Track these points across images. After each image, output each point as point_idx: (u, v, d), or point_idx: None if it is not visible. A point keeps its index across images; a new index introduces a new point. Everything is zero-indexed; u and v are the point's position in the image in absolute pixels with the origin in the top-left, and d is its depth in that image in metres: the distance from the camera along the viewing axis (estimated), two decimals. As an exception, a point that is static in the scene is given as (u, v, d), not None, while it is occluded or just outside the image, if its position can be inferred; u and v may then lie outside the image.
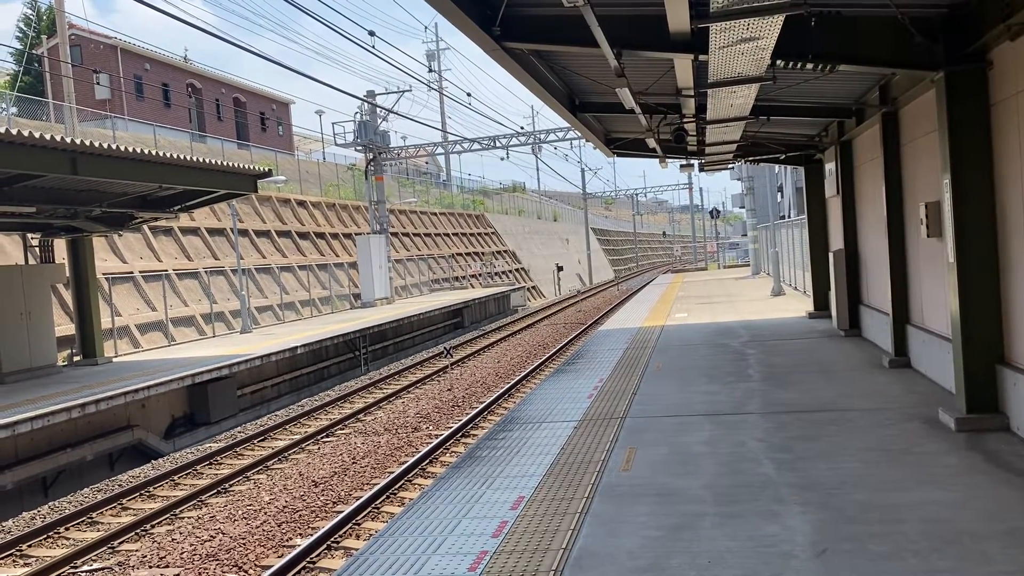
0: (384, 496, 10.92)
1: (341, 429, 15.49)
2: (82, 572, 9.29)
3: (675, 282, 38.26)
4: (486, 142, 38.80)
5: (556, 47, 9.13)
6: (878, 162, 11.74)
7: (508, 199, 68.56)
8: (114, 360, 20.11)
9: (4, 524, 11.32)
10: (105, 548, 9.88)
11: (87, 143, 13.73)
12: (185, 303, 25.68)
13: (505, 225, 59.44)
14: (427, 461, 12.51)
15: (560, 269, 58.50)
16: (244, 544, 9.59)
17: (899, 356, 11.43)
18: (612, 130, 16.64)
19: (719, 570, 5.14)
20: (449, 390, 18.50)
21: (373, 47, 22.16)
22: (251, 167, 19.07)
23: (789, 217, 39.94)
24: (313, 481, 11.93)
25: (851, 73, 9.81)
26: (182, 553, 9.42)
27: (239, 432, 16.20)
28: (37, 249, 19.99)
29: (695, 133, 13.61)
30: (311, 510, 10.73)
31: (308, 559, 8.89)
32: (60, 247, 20.49)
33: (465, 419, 14.79)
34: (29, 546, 10.19)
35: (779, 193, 52.49)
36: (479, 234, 54.54)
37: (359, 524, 9.98)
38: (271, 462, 13.33)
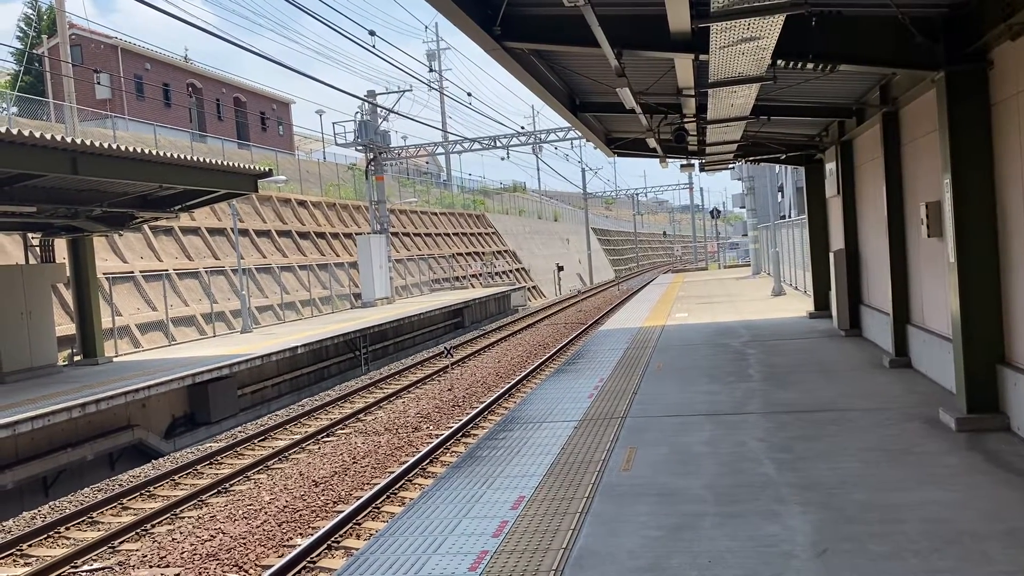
0: (384, 496, 10.92)
1: (341, 429, 15.49)
2: (82, 572, 9.29)
3: (675, 282, 38.26)
4: (486, 142, 38.80)
5: (557, 47, 9.13)
6: (879, 162, 11.74)
7: (508, 199, 68.56)
8: (114, 360, 20.12)
9: (4, 524, 11.32)
10: (105, 548, 9.88)
11: (87, 143, 13.73)
12: (185, 303, 25.68)
13: (505, 225, 59.44)
14: (427, 461, 12.52)
15: (560, 269, 58.52)
16: (244, 544, 9.59)
17: (900, 356, 11.42)
18: (613, 130, 16.64)
19: (719, 570, 5.14)
20: (449, 390, 18.50)
21: (373, 47, 22.19)
22: (251, 167, 19.08)
23: (789, 217, 39.95)
24: (313, 481, 11.93)
25: (852, 73, 9.81)
26: (182, 553, 9.42)
27: (239, 432, 16.20)
28: (38, 249, 19.99)
29: (696, 133, 13.61)
30: (311, 510, 10.73)
31: (308, 559, 8.90)
32: (61, 247, 20.50)
33: (465, 419, 14.79)
34: (29, 546, 10.20)
35: (780, 193, 52.53)
36: (479, 234, 54.54)
37: (359, 524, 9.98)
38: (271, 462, 13.33)
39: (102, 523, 11.05)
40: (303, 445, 14.32)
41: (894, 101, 10.92)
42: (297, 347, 20.18)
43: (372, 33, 25.68)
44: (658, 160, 18.24)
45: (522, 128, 40.02)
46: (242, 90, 49.07)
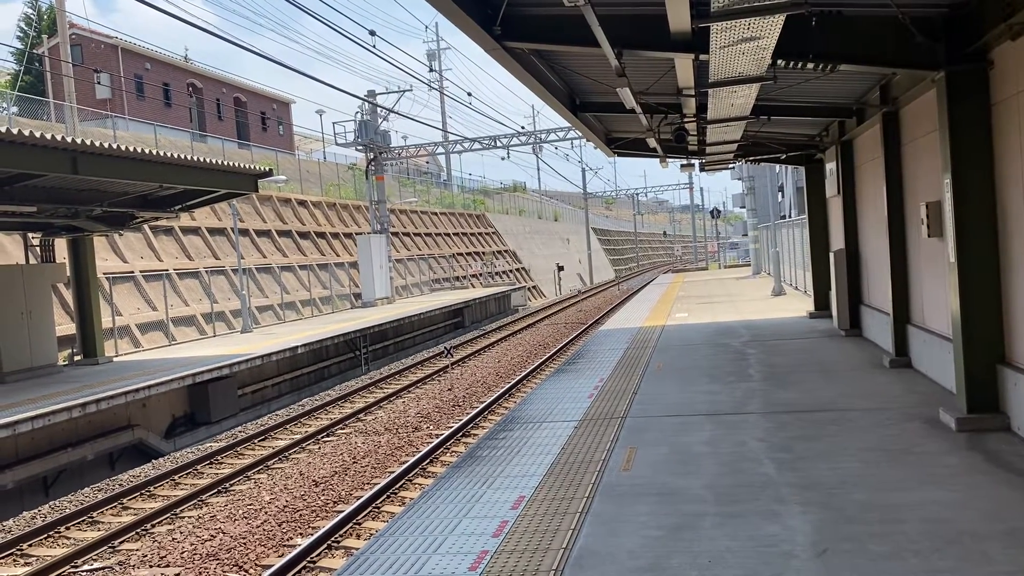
0: (385, 496, 10.92)
1: (342, 429, 15.49)
2: (82, 571, 9.29)
3: (676, 282, 38.26)
4: (487, 142, 38.80)
5: (557, 47, 9.13)
6: (879, 162, 11.74)
7: (509, 199, 68.57)
8: (115, 360, 20.12)
9: (5, 523, 11.32)
10: (105, 547, 9.88)
11: (88, 143, 13.73)
12: (186, 303, 25.69)
13: (506, 225, 59.45)
14: (428, 461, 12.52)
15: (561, 269, 58.52)
16: (245, 544, 9.59)
17: (900, 356, 11.42)
18: (613, 130, 16.64)
19: (720, 570, 5.14)
20: (450, 390, 18.50)
21: (374, 47, 22.20)
22: (252, 167, 19.09)
23: (790, 217, 39.94)
24: (314, 481, 11.93)
25: (852, 73, 9.81)
26: (183, 552, 9.42)
27: (240, 432, 16.20)
28: (38, 248, 19.99)
29: (696, 133, 13.61)
30: (312, 510, 10.73)
31: (309, 559, 8.90)
32: (61, 246, 20.50)
33: (466, 419, 14.79)
34: (30, 545, 10.20)
35: (780, 193, 52.52)
36: (480, 234, 54.55)
37: (360, 524, 9.98)
38: (272, 462, 13.33)
39: (102, 523, 11.05)
40: (303, 445, 14.32)
41: (894, 101, 10.91)
42: (297, 347, 20.19)
43: (372, 33, 25.75)
44: (658, 160, 18.24)
45: (522, 128, 40.04)
46: (242, 90, 49.07)
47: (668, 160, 18.59)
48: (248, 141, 43.77)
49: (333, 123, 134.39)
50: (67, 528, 10.77)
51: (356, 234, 36.76)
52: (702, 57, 7.83)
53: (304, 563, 8.79)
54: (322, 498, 11.15)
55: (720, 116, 11.00)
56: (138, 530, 10.41)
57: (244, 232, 29.66)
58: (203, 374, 16.61)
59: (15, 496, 12.74)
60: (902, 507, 5.98)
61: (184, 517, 10.93)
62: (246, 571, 8.92)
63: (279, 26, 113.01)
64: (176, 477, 12.87)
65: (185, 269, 26.65)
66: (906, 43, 7.89)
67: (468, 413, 15.68)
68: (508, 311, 40.15)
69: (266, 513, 10.61)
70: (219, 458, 13.90)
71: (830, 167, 16.12)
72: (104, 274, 22.22)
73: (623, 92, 9.26)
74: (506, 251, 55.76)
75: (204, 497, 11.65)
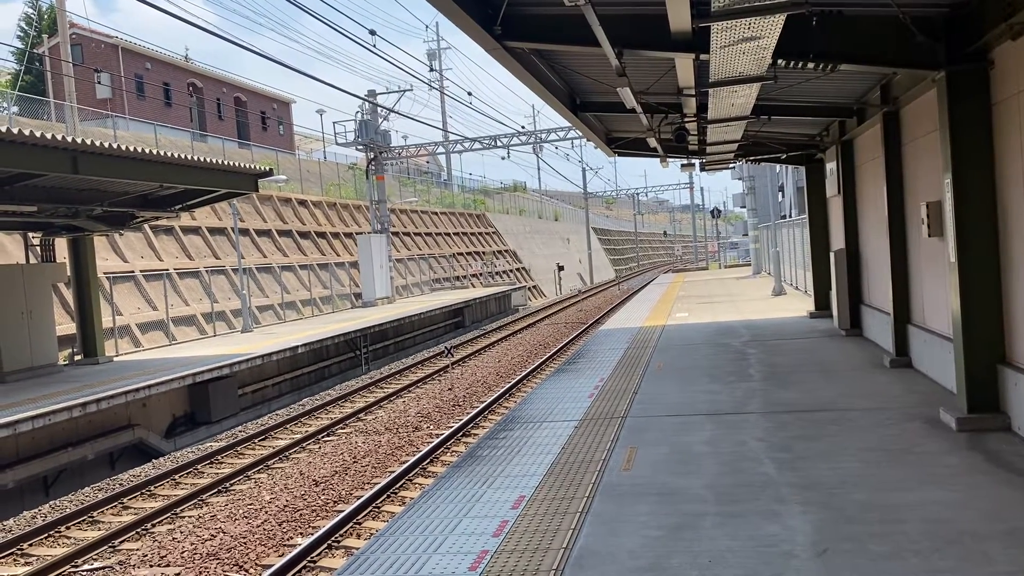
0: (385, 495, 10.92)
1: (342, 428, 15.50)
2: (83, 571, 9.29)
3: (676, 282, 38.25)
4: (487, 141, 38.80)
5: (557, 46, 9.13)
6: (879, 162, 11.73)
7: (509, 198, 68.57)
8: (115, 359, 20.12)
9: (5, 523, 11.32)
10: (106, 547, 9.88)
11: (88, 142, 13.73)
12: (186, 302, 25.69)
13: (506, 224, 59.45)
14: (428, 460, 12.52)
15: (561, 268, 58.51)
16: (245, 543, 9.59)
17: (900, 356, 11.42)
18: (613, 129, 16.64)
19: (720, 570, 5.14)
20: (450, 389, 18.50)
21: (374, 46, 22.21)
22: (252, 166, 19.09)
23: (790, 217, 39.94)
24: (314, 480, 11.93)
25: (852, 72, 9.80)
26: (183, 552, 9.42)
27: (240, 431, 16.20)
28: (38, 248, 20.00)
29: (696, 132, 13.61)
30: (312, 509, 10.73)
31: (309, 558, 8.90)
32: (61, 246, 20.50)
33: (466, 418, 14.79)
34: (30, 545, 10.20)
35: (780, 193, 52.51)
36: (480, 233, 54.55)
37: (360, 523, 9.98)
38: (272, 461, 13.34)
39: (102, 522, 11.05)
40: (303, 444, 14.32)
41: (895, 101, 10.91)
42: (297, 347, 20.19)
43: (373, 32, 25.78)
44: (659, 160, 18.24)
45: (523, 128, 40.05)
46: (243, 89, 49.08)
47: (668, 160, 18.59)
48: (248, 141, 43.77)
49: (333, 123, 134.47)
50: (67, 528, 10.77)
51: (356, 234, 36.77)
52: (702, 57, 7.83)
53: (304, 563, 8.79)
54: (322, 498, 11.15)
55: (720, 116, 11.00)
56: (138, 530, 10.41)
57: (244, 232, 29.66)
58: (203, 374, 16.61)
59: (15, 495, 12.74)
60: (902, 507, 5.98)
61: (184, 517, 10.93)
62: (246, 571, 8.93)
63: (279, 26, 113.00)
64: (176, 477, 12.87)
65: (185, 269, 26.66)
66: (907, 43, 7.89)
67: (468, 413, 15.68)
68: (508, 311, 40.15)
69: (266, 513, 10.61)
70: (219, 458, 13.90)
71: (830, 167, 16.12)
72: (104, 274, 22.22)
73: (623, 92, 9.26)
74: (506, 251, 55.76)
75: (204, 497, 11.65)
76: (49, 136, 12.85)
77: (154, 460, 14.70)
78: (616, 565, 5.35)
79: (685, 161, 19.03)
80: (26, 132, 12.52)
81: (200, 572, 8.89)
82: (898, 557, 5.13)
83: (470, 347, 26.42)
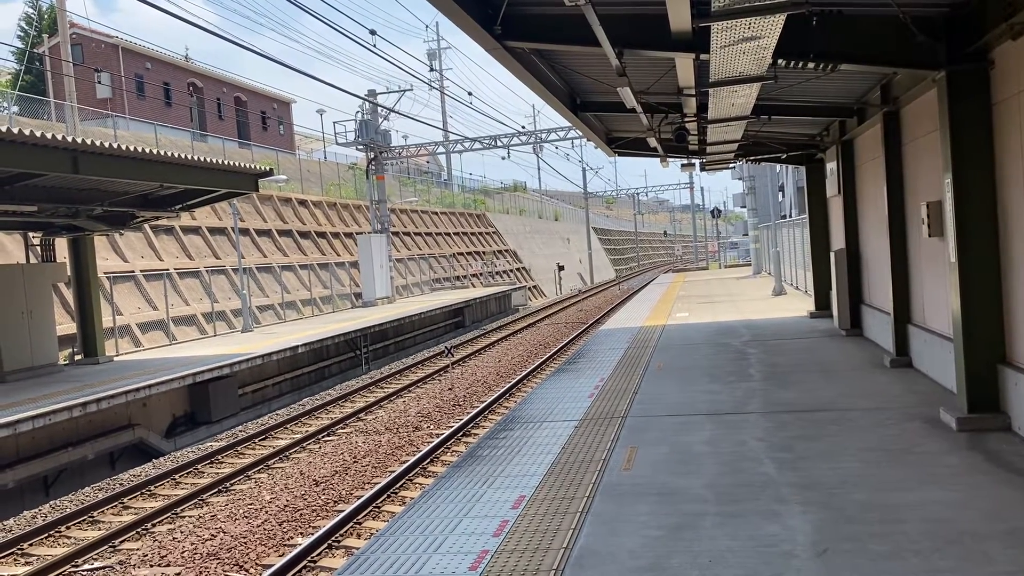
0: (385, 495, 10.92)
1: (342, 428, 15.50)
2: (83, 571, 9.29)
3: (676, 281, 38.25)
4: (487, 141, 38.79)
5: (557, 46, 9.13)
6: (879, 161, 11.73)
7: (509, 198, 68.56)
8: (115, 359, 20.12)
9: (5, 523, 11.33)
10: (106, 547, 9.89)
11: (88, 142, 13.73)
12: (186, 302, 25.69)
13: (506, 224, 59.44)
14: (428, 460, 12.52)
15: (561, 268, 58.51)
16: (245, 543, 9.60)
17: (900, 356, 11.42)
18: (613, 129, 16.63)
19: (720, 569, 5.14)
20: (450, 389, 18.50)
21: (374, 46, 22.22)
22: (252, 166, 19.09)
23: (790, 216, 39.94)
24: (314, 480, 11.93)
25: (852, 72, 9.80)
26: (183, 552, 9.42)
27: (240, 431, 16.20)
28: (38, 248, 20.00)
29: (696, 132, 13.61)
30: (312, 509, 10.73)
31: (309, 558, 8.90)
32: (61, 246, 20.50)
33: (466, 418, 14.79)
34: (30, 545, 10.20)
35: (780, 192, 52.52)
36: (480, 233, 54.54)
37: (360, 523, 9.99)
38: (272, 461, 13.34)
39: (103, 522, 11.05)
40: (304, 444, 14.32)
41: (895, 101, 10.91)
42: (298, 346, 20.19)
43: (373, 32, 25.82)
44: (659, 160, 18.24)
45: (523, 127, 40.06)
46: (243, 89, 49.08)
47: (669, 160, 18.59)
48: (248, 140, 43.77)
49: (334, 122, 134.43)
50: (67, 527, 10.77)
51: (356, 234, 36.77)
52: (703, 57, 7.83)
53: (305, 562, 8.79)
54: (322, 497, 11.15)
55: (721, 116, 10.99)
56: (138, 529, 10.41)
57: (244, 231, 29.66)
58: (204, 373, 16.62)
59: (16, 495, 12.74)
60: (902, 507, 5.98)
61: (185, 516, 10.93)
62: (247, 570, 8.93)
63: (279, 25, 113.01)
64: (177, 476, 12.87)
65: (185, 268, 26.66)
66: (907, 43, 7.89)
67: (469, 413, 15.68)
68: (508, 311, 40.15)
69: (267, 512, 10.61)
70: (219, 457, 13.90)
71: (831, 167, 16.12)
72: (105, 273, 22.22)
73: (624, 92, 9.26)
74: (506, 251, 55.76)
75: (205, 496, 11.65)
76: (49, 136, 12.85)
77: (154, 460, 14.70)
78: (616, 565, 5.35)
79: (685, 161, 19.03)
80: (26, 132, 12.53)
81: (200, 572, 8.90)
82: (898, 557, 5.13)
83: (470, 347, 26.42)
